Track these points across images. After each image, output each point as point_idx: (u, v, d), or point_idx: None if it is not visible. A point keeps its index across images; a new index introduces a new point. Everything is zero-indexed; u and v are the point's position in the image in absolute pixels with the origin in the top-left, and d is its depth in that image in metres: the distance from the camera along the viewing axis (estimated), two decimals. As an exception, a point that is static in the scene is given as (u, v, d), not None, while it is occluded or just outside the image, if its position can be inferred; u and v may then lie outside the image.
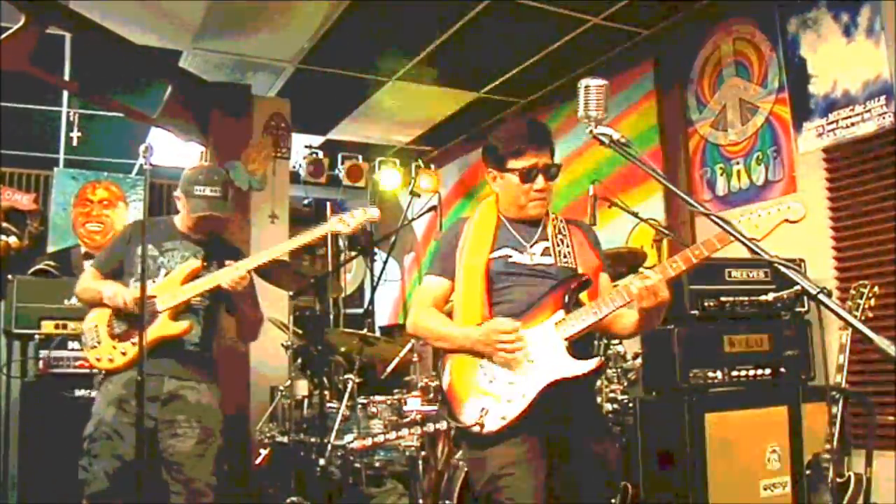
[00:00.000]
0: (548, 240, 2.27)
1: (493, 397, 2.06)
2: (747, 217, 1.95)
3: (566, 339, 2.07)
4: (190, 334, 2.81)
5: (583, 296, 2.21)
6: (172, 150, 5.64)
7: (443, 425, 3.52)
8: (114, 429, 2.68)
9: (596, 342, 3.64)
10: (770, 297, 3.33)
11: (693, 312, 3.28)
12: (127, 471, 2.63)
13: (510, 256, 2.23)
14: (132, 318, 2.74)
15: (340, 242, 7.47)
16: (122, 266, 2.89)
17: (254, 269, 2.80)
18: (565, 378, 2.04)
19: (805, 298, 3.39)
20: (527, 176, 2.22)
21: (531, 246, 2.25)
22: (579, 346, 2.10)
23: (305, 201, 7.61)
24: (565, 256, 2.24)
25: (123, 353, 2.75)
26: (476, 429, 2.04)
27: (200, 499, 2.72)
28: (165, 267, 2.86)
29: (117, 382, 2.75)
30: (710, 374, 3.25)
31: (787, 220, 1.94)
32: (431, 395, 3.83)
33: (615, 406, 3.62)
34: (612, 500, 3.28)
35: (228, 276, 2.73)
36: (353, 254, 7.20)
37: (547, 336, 2.09)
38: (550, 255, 2.24)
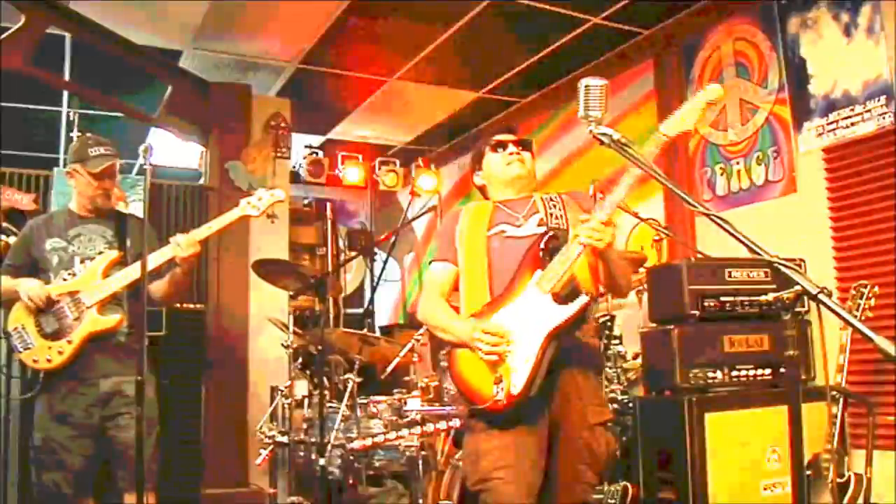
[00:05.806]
0: (540, 212, 2.31)
1: (501, 371, 2.06)
2: (671, 117, 1.95)
3: (550, 293, 2.08)
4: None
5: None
6: (172, 150, 5.64)
7: (442, 425, 3.52)
8: (60, 444, 2.75)
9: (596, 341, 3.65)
10: (770, 297, 3.32)
11: (693, 312, 3.28)
12: (77, 477, 2.76)
13: (505, 231, 2.28)
14: (60, 315, 2.79)
15: (340, 242, 7.48)
16: (35, 264, 2.90)
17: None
18: (558, 327, 2.04)
19: (805, 298, 3.38)
20: (498, 146, 2.39)
21: (526, 220, 2.30)
22: (565, 298, 2.10)
23: (305, 201, 7.61)
24: (557, 219, 2.27)
25: (60, 353, 2.77)
26: (499, 400, 2.03)
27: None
28: (78, 254, 2.89)
29: (56, 396, 2.79)
30: (710, 374, 3.25)
31: (709, 103, 1.96)
32: (431, 395, 3.83)
33: (615, 406, 3.62)
34: (611, 488, 3.29)
35: (163, 257, 2.79)
36: (353, 254, 7.22)
37: (532, 297, 2.11)
38: (544, 225, 2.27)
